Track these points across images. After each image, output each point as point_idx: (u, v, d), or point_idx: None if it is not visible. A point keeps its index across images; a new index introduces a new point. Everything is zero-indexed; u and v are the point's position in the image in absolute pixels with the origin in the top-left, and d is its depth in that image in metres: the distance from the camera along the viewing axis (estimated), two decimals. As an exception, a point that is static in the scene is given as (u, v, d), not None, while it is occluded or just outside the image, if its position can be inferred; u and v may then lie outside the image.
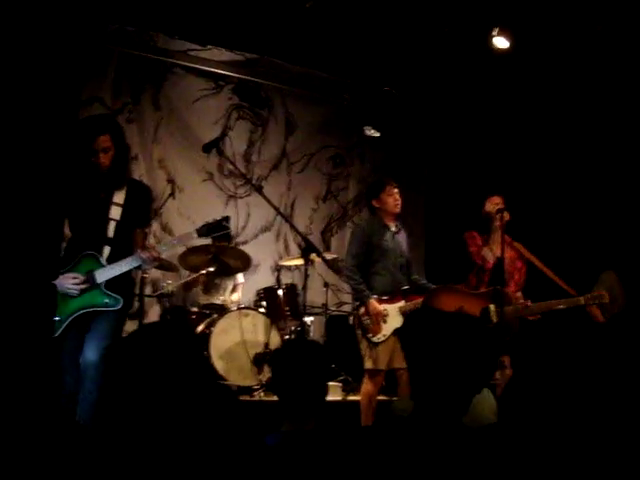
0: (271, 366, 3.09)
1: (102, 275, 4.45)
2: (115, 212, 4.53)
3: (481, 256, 5.95)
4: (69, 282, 4.39)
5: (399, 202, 6.11)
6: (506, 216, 5.78)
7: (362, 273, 5.93)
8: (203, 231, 4.78)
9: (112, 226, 4.53)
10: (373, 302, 5.82)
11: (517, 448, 1.89)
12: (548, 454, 1.77)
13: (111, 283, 4.48)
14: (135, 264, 4.57)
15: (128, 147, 4.73)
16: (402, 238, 6.19)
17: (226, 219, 4.85)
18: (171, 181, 7.88)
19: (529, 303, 5.71)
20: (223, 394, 2.17)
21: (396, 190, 6.11)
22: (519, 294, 5.94)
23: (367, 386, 5.84)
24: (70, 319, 4.37)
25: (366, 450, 2.12)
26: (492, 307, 5.61)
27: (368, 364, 5.82)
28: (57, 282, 4.37)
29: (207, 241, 6.79)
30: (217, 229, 4.79)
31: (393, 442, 2.12)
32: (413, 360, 2.31)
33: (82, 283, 4.41)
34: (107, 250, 4.52)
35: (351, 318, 6.09)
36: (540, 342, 5.86)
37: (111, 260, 4.51)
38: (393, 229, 6.11)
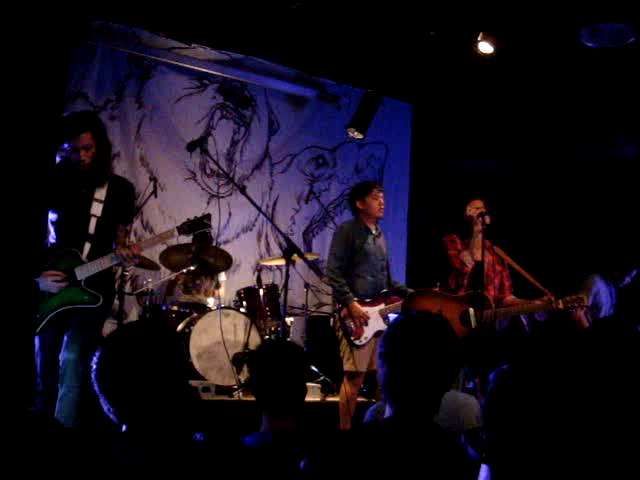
0: (249, 366, 3.10)
1: (82, 272, 4.43)
2: (96, 208, 4.52)
3: (459, 260, 5.97)
4: (49, 279, 4.36)
5: (383, 206, 6.15)
6: (487, 220, 5.81)
7: (344, 275, 5.94)
8: (184, 229, 4.78)
9: (93, 222, 4.52)
10: (356, 305, 5.84)
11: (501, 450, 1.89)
12: (534, 456, 1.78)
13: (91, 280, 4.46)
14: (115, 261, 4.56)
15: (110, 144, 4.72)
16: (382, 241, 6.23)
17: (207, 217, 4.86)
18: (153, 179, 7.85)
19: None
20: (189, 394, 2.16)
21: (381, 194, 6.14)
22: (511, 297, 5.97)
23: (346, 388, 5.85)
24: (50, 316, 4.35)
25: (346, 451, 2.13)
26: (471, 310, 5.64)
27: (348, 366, 5.83)
28: (38, 280, 4.34)
29: (188, 240, 6.79)
30: (198, 226, 4.80)
31: (372, 443, 2.13)
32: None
33: (62, 280, 4.38)
34: (87, 247, 4.51)
35: (332, 320, 6.09)
36: (526, 348, 5.89)
37: (91, 257, 4.50)
38: (374, 232, 6.14)
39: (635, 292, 6.96)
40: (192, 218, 4.84)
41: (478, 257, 5.81)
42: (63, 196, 4.46)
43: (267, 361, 2.91)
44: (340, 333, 5.92)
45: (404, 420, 2.22)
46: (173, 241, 7.28)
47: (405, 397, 2.25)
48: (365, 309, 5.87)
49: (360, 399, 6.15)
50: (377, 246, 6.13)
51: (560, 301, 5.71)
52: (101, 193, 4.54)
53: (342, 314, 5.86)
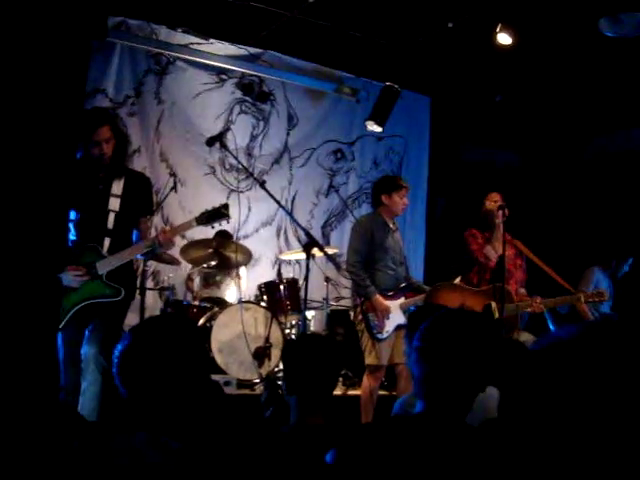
0: (284, 359, 3.08)
1: (103, 266, 4.46)
2: (114, 203, 4.55)
3: (484, 254, 5.96)
4: (70, 274, 4.39)
5: (405, 207, 6.15)
6: (505, 213, 5.80)
7: (364, 269, 5.93)
8: (202, 219, 4.80)
9: (112, 217, 4.55)
10: (379, 298, 5.84)
11: (517, 443, 1.89)
12: (549, 450, 1.77)
13: (112, 275, 4.49)
14: (147, 249, 4.58)
15: (127, 137, 4.76)
16: (399, 236, 6.23)
17: (225, 206, 4.87)
18: (173, 174, 7.88)
19: (538, 300, 5.73)
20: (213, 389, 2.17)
21: (406, 195, 6.12)
22: (523, 290, 5.97)
23: (368, 381, 5.85)
24: (72, 312, 4.38)
25: (372, 446, 2.13)
26: (494, 304, 5.63)
27: (370, 359, 5.83)
28: (60, 275, 4.38)
29: (209, 235, 6.82)
30: (216, 216, 4.81)
31: (398, 440, 2.12)
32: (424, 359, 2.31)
33: (84, 275, 4.41)
34: (107, 242, 4.54)
35: (352, 314, 6.09)
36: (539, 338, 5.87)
37: (112, 251, 4.53)
38: (392, 226, 6.14)
39: (634, 281, 6.97)
40: (210, 209, 4.86)
41: (499, 251, 5.80)
42: (81, 194, 4.50)
43: (304, 354, 2.89)
44: (362, 327, 5.91)
45: (436, 417, 2.21)
46: (194, 237, 7.32)
47: (440, 395, 2.25)
48: (387, 303, 5.87)
49: (381, 392, 6.15)
50: (395, 240, 6.13)
51: (582, 295, 5.71)
52: (118, 187, 4.57)
53: (364, 308, 5.86)
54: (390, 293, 5.96)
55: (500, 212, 5.82)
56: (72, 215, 4.52)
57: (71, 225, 4.53)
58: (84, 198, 4.51)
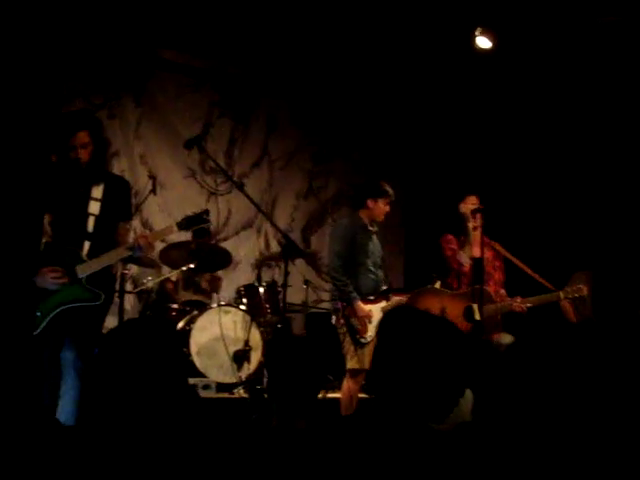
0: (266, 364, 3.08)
1: (84, 270, 4.43)
2: (94, 207, 4.52)
3: (457, 260, 5.98)
4: (48, 276, 4.35)
5: (387, 214, 6.14)
6: (480, 217, 5.82)
7: (345, 273, 5.91)
8: (183, 224, 4.79)
9: (91, 221, 4.52)
10: (360, 304, 5.83)
11: (491, 446, 1.90)
12: (524, 451, 1.79)
13: (92, 278, 4.46)
14: (125, 255, 4.56)
15: (107, 142, 4.73)
16: (377, 239, 6.23)
17: (206, 212, 4.87)
18: (152, 177, 7.84)
19: (518, 299, 5.75)
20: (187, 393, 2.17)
21: (389, 202, 6.11)
22: (502, 291, 5.98)
23: (349, 384, 5.84)
24: (50, 316, 4.34)
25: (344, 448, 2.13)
26: (474, 306, 5.64)
27: (352, 364, 5.82)
28: (37, 278, 4.33)
29: (187, 237, 6.80)
30: (197, 222, 4.81)
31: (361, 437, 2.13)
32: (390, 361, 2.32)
33: (62, 277, 4.37)
34: (87, 245, 4.50)
35: (334, 318, 6.07)
36: (517, 339, 5.89)
37: (91, 255, 4.49)
38: (372, 229, 6.14)
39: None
40: (191, 214, 4.86)
41: (476, 254, 5.82)
42: (59, 195, 4.47)
43: (286, 357, 2.89)
44: (344, 330, 5.90)
45: (388, 416, 2.23)
46: (173, 239, 7.30)
47: (390, 396, 2.26)
48: (368, 307, 5.87)
49: (361, 395, 6.15)
50: (375, 243, 6.13)
51: (561, 292, 5.73)
52: (98, 191, 4.54)
53: (346, 313, 5.85)
54: (372, 297, 5.96)
55: (476, 215, 5.84)
56: (49, 217, 4.48)
57: (48, 227, 4.49)
58: (62, 200, 4.47)
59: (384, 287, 6.10)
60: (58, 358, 4.34)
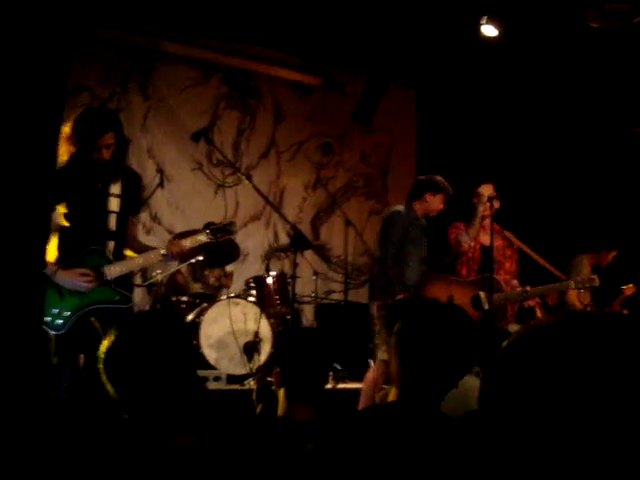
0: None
1: (112, 272, 4.40)
2: (114, 204, 4.49)
3: (457, 240, 5.94)
4: (80, 279, 4.33)
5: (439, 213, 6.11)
6: (496, 204, 5.78)
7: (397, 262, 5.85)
8: (211, 234, 4.74)
9: (113, 219, 4.49)
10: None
11: (498, 435, 1.89)
12: (531, 441, 1.77)
13: (118, 279, 4.44)
14: (156, 260, 4.56)
15: (127, 140, 4.72)
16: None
17: (231, 224, 4.86)
18: (160, 170, 7.86)
19: (528, 288, 5.72)
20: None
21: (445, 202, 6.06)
22: (515, 281, 5.94)
23: (375, 375, 5.76)
24: (78, 314, 4.33)
25: (349, 436, 2.13)
26: (482, 294, 5.62)
27: (385, 355, 5.71)
28: (66, 278, 4.30)
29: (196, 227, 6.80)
30: (224, 232, 4.78)
31: (375, 430, 2.13)
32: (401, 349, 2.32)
33: (93, 280, 4.35)
34: (112, 245, 4.47)
35: (374, 307, 5.94)
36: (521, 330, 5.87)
37: (116, 255, 4.46)
38: (423, 222, 6.11)
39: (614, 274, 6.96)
40: (218, 223, 4.85)
41: (486, 241, 5.80)
42: (79, 191, 4.44)
43: (295, 347, 2.90)
44: (382, 322, 5.81)
45: (409, 405, 2.22)
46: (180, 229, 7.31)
47: (413, 384, 2.26)
48: None
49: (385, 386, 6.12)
50: (423, 237, 6.08)
51: (572, 282, 5.69)
52: (116, 187, 4.51)
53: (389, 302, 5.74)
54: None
55: (489, 204, 5.80)
56: (70, 214, 4.45)
57: (70, 224, 4.46)
58: (82, 197, 4.44)
59: None
60: (77, 358, 4.33)
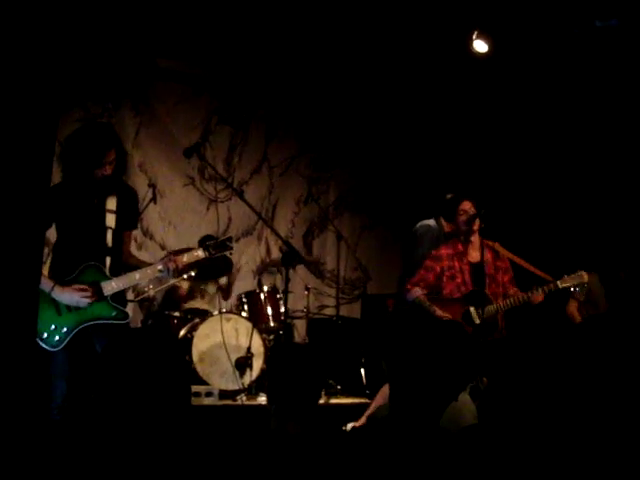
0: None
1: (109, 288, 4.41)
2: (110, 220, 4.50)
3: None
4: (78, 294, 4.33)
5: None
6: (476, 224, 5.75)
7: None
8: (208, 249, 4.76)
9: (109, 235, 4.50)
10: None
11: (497, 448, 1.90)
12: (529, 453, 1.79)
13: (115, 295, 4.45)
14: (153, 276, 4.57)
15: (126, 155, 4.73)
16: None
17: (229, 239, 4.87)
18: (152, 185, 7.86)
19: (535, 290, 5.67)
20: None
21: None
22: (512, 290, 5.88)
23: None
24: (75, 331, 4.33)
25: (344, 452, 2.14)
26: (472, 309, 5.63)
27: None
28: (64, 294, 4.32)
29: (189, 244, 6.80)
30: (222, 248, 4.81)
31: (370, 445, 2.13)
32: (393, 365, 2.33)
33: (92, 296, 4.35)
34: (108, 260, 4.48)
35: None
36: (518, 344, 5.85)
37: (112, 270, 4.47)
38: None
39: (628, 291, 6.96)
40: (216, 238, 4.87)
41: (476, 258, 5.80)
42: (76, 207, 4.44)
43: (286, 364, 2.91)
44: None
45: (401, 420, 2.23)
46: (174, 247, 7.32)
47: (406, 400, 2.26)
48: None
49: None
50: None
51: (559, 281, 5.67)
52: (112, 203, 4.52)
53: None
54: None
55: (467, 225, 5.76)
56: (68, 229, 4.45)
57: (67, 239, 4.46)
58: (79, 213, 4.44)
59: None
60: (73, 372, 4.33)
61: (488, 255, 5.82)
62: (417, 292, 5.75)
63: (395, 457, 2.06)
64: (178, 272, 4.67)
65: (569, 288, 5.70)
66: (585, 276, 5.70)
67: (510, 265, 6.03)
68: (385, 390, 5.79)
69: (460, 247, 5.88)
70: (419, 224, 6.39)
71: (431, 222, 6.24)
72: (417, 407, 2.25)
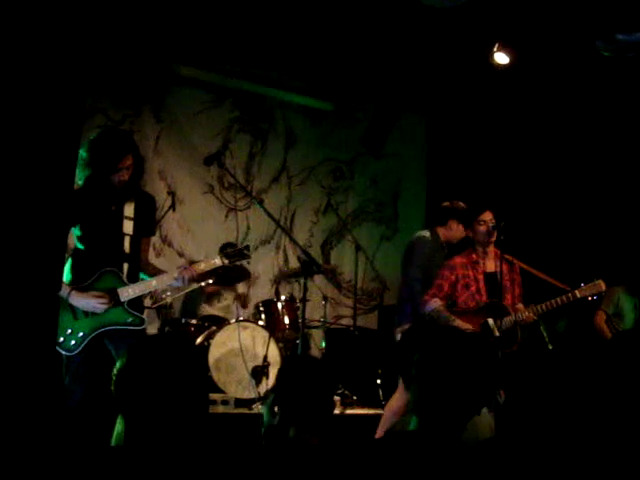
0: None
1: (125, 293, 4.43)
2: (128, 226, 4.52)
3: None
4: (94, 300, 4.36)
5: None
6: (494, 235, 5.73)
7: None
8: (226, 258, 4.77)
9: (127, 241, 4.52)
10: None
11: (515, 461, 1.89)
12: (546, 465, 1.78)
13: (131, 301, 4.47)
14: (168, 283, 4.58)
15: (144, 161, 4.74)
16: None
17: (247, 247, 4.88)
18: (171, 193, 7.87)
19: (532, 307, 5.65)
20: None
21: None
22: (520, 306, 5.85)
23: (400, 403, 5.65)
24: (91, 336, 4.36)
25: (368, 464, 2.13)
26: (490, 321, 5.59)
27: None
28: (80, 299, 4.35)
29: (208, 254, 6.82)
30: (239, 256, 4.81)
31: (395, 457, 2.12)
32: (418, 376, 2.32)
33: (108, 302, 4.38)
34: (126, 267, 4.51)
35: (398, 335, 5.91)
36: (533, 356, 5.80)
37: (130, 277, 4.49)
38: (445, 250, 6.10)
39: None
40: (234, 247, 4.88)
41: (491, 268, 5.78)
42: (94, 214, 4.46)
43: (297, 377, 2.90)
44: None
45: (429, 434, 2.21)
46: (192, 254, 7.35)
47: (433, 413, 2.25)
48: None
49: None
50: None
51: (577, 291, 5.62)
52: (130, 210, 4.54)
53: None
54: None
55: (488, 236, 5.74)
56: (87, 235, 4.47)
57: (86, 245, 4.47)
58: (97, 219, 4.47)
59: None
60: (86, 379, 4.35)
61: (504, 266, 5.79)
62: (436, 302, 5.72)
63: (424, 471, 2.05)
64: (194, 280, 4.67)
65: (587, 297, 5.65)
66: (602, 285, 5.65)
67: (521, 280, 5.99)
68: (393, 404, 5.74)
69: (474, 256, 5.86)
70: (414, 236, 6.37)
71: (426, 233, 6.22)
72: (445, 421, 2.24)
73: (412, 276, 5.92)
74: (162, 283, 4.63)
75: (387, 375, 7.16)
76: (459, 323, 5.57)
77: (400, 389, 5.69)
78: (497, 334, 5.53)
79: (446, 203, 6.27)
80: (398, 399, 5.68)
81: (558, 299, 5.63)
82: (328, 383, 2.90)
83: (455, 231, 6.01)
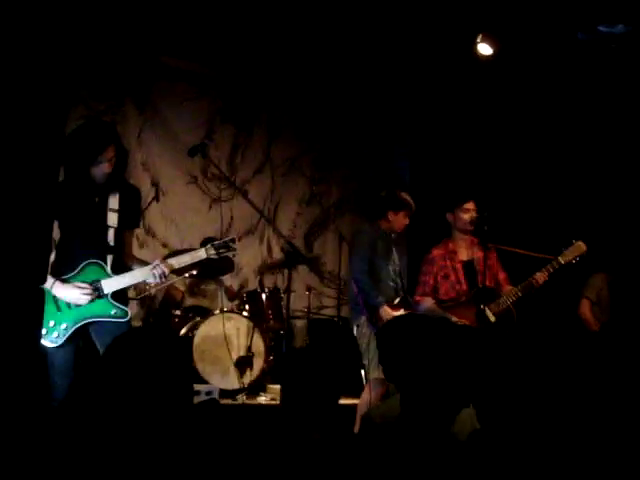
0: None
1: (109, 285, 4.42)
2: (112, 218, 4.49)
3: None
4: (78, 292, 4.34)
5: (406, 226, 6.09)
6: (474, 223, 5.77)
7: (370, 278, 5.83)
8: (211, 251, 4.75)
9: (111, 233, 4.50)
10: (387, 308, 5.69)
11: (502, 451, 1.91)
12: (531, 455, 1.80)
13: (116, 293, 4.45)
14: (148, 278, 4.57)
15: (127, 153, 4.72)
16: (396, 248, 6.15)
17: (232, 240, 4.86)
18: (155, 184, 7.86)
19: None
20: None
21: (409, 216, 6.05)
22: (509, 287, 5.84)
23: (369, 396, 5.66)
24: (74, 328, 4.35)
25: (357, 456, 2.14)
26: (486, 309, 5.59)
27: (377, 373, 5.55)
28: (64, 291, 4.33)
29: (191, 245, 6.80)
30: (225, 249, 4.79)
31: (382, 449, 2.14)
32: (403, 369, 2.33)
33: (91, 293, 4.37)
34: (110, 259, 4.49)
35: (355, 329, 5.92)
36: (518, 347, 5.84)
37: (114, 269, 4.47)
38: (393, 237, 6.09)
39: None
40: (219, 239, 4.86)
41: (467, 256, 5.83)
42: (77, 205, 4.44)
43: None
44: (367, 340, 5.77)
45: (412, 423, 2.23)
46: (176, 245, 7.33)
47: (414, 402, 2.26)
48: (394, 313, 5.71)
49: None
50: (394, 251, 6.06)
51: (560, 257, 5.63)
52: (114, 202, 4.51)
53: (374, 320, 5.67)
54: (396, 301, 5.87)
55: (474, 222, 5.77)
56: (70, 227, 4.43)
57: (70, 237, 4.45)
58: (81, 211, 4.45)
59: (402, 295, 6.00)
60: (70, 371, 4.34)
61: (479, 253, 5.80)
62: (429, 301, 5.76)
63: (407, 461, 2.07)
64: (165, 277, 4.64)
65: (572, 261, 5.66)
66: (583, 246, 5.65)
67: (500, 263, 5.98)
68: (364, 399, 5.75)
69: (451, 246, 5.90)
70: (356, 229, 6.41)
71: (365, 226, 6.22)
72: (430, 413, 2.25)
73: (357, 269, 5.88)
74: (146, 274, 4.61)
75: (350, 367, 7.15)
76: (454, 320, 5.57)
77: (370, 384, 5.71)
78: (494, 319, 5.55)
79: (382, 193, 6.23)
80: (367, 392, 5.70)
81: (544, 270, 5.63)
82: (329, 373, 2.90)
83: (395, 221, 5.98)
